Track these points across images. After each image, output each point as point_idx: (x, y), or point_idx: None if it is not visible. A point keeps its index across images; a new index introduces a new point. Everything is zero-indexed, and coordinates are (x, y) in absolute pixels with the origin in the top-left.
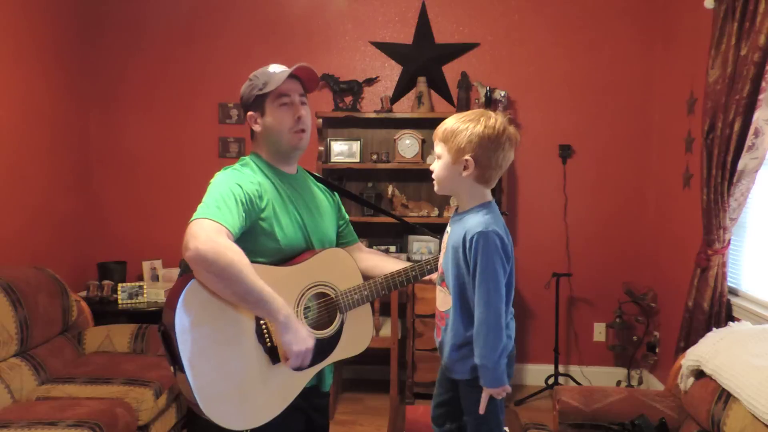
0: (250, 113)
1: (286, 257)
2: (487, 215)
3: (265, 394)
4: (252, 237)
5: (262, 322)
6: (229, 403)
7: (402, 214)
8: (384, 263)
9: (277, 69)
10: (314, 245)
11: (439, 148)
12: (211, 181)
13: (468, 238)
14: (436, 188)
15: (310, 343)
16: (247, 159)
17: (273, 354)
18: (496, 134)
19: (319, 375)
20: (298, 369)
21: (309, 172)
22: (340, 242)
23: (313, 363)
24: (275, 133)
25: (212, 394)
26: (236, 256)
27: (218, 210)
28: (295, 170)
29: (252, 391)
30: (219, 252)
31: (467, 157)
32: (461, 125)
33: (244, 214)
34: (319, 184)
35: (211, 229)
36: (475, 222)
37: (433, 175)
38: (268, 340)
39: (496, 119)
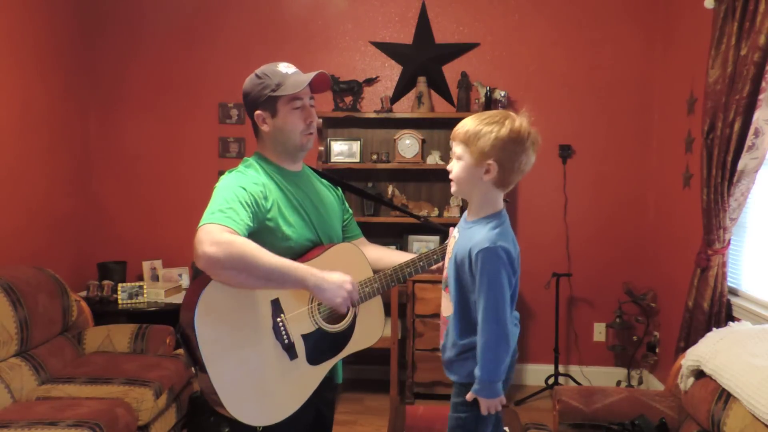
0: (258, 112)
1: (297, 254)
2: (494, 229)
3: (285, 390)
4: (261, 237)
5: (278, 319)
6: (251, 400)
7: (402, 214)
8: (389, 255)
9: (289, 70)
10: (322, 241)
11: (459, 149)
12: (216, 185)
13: (474, 253)
14: (453, 189)
15: (347, 285)
16: (251, 160)
17: (291, 350)
18: (521, 138)
19: (333, 367)
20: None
21: (312, 169)
22: (345, 236)
23: (328, 357)
24: (285, 134)
25: (234, 393)
26: (244, 245)
27: (222, 213)
28: (300, 167)
29: (272, 387)
30: (225, 247)
31: (490, 161)
32: (485, 128)
33: (251, 215)
34: (323, 180)
35: (215, 231)
36: (481, 237)
37: (452, 176)
38: (285, 337)
39: (521, 122)
